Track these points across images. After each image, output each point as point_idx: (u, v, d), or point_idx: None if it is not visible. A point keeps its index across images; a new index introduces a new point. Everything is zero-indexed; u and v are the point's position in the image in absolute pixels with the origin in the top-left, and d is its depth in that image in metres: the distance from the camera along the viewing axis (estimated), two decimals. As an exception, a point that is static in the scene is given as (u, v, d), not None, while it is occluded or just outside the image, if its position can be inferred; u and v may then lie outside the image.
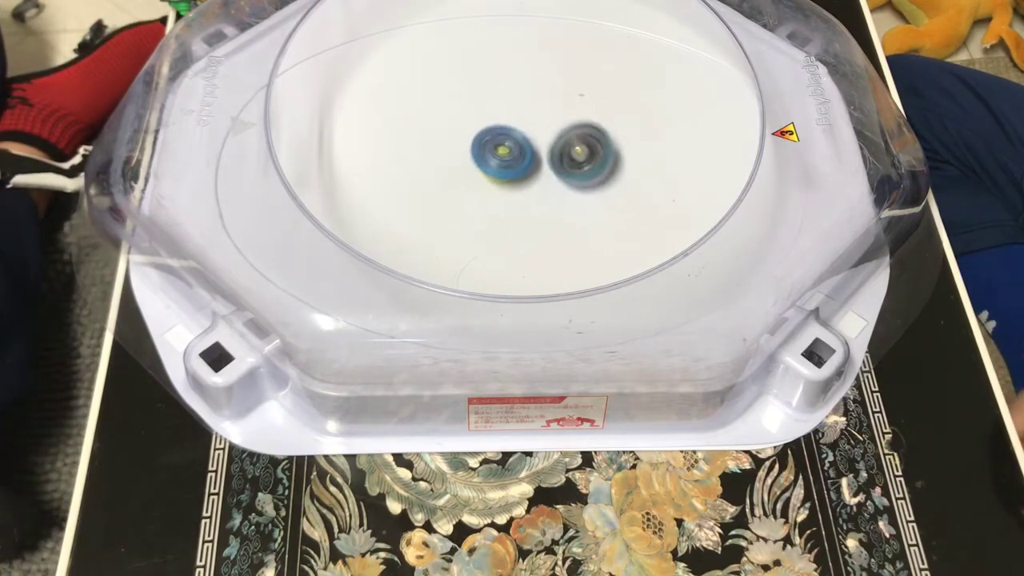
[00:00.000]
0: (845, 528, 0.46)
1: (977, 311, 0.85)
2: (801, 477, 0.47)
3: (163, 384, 0.47)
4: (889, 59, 0.63)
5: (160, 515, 0.45)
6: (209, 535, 0.45)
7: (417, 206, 0.50)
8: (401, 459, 0.47)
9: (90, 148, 0.94)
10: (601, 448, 0.48)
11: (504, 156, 0.50)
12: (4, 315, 0.80)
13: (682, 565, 0.45)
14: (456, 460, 0.47)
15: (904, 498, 0.46)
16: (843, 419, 0.49)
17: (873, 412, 0.49)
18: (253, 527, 0.45)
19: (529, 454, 0.47)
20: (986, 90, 0.86)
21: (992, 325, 0.86)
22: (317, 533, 0.45)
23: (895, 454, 0.48)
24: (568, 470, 0.47)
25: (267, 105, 0.50)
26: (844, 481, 0.47)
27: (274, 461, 0.47)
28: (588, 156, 0.50)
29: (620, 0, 0.59)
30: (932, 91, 0.87)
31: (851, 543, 0.45)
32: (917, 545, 0.45)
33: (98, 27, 1.16)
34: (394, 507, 0.46)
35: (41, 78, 1.04)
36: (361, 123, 0.53)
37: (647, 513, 0.46)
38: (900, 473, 0.47)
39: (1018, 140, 0.83)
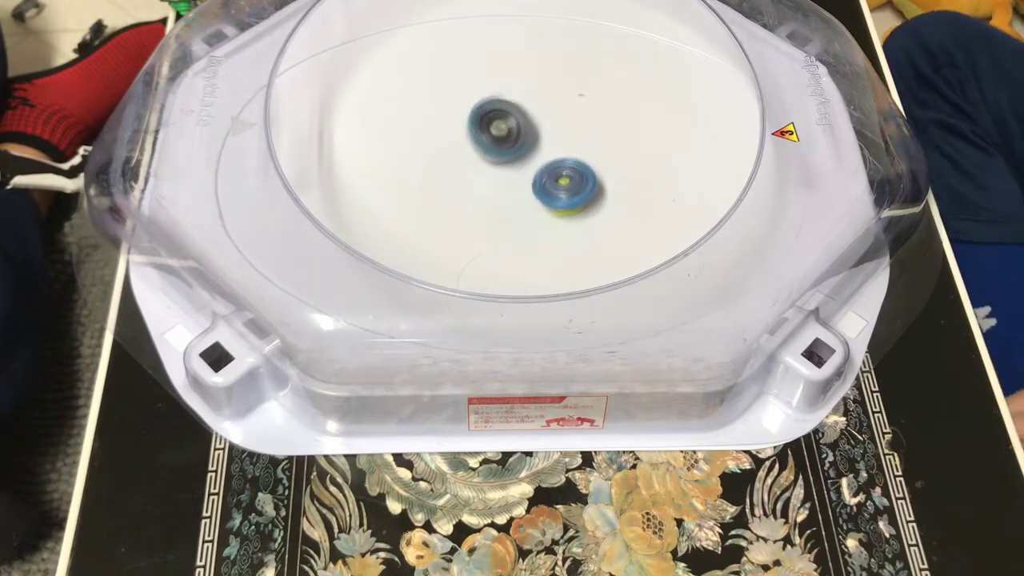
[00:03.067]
0: (845, 528, 0.46)
1: (977, 306, 0.84)
2: (801, 477, 0.47)
3: (163, 384, 0.47)
4: (928, 15, 0.61)
5: (160, 515, 0.45)
6: (209, 535, 0.45)
7: (417, 206, 0.50)
8: (401, 459, 0.47)
9: (90, 148, 0.94)
10: (601, 448, 0.48)
11: (567, 185, 0.49)
12: (13, 319, 0.79)
13: (682, 565, 0.45)
14: (456, 460, 0.47)
15: (904, 498, 0.46)
16: (843, 419, 0.49)
17: (873, 412, 0.49)
18: (253, 527, 0.45)
19: (529, 454, 0.47)
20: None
21: (990, 323, 0.85)
22: (317, 533, 0.45)
23: (895, 454, 0.48)
24: (568, 470, 0.47)
25: (267, 105, 0.50)
26: (844, 481, 0.47)
27: (274, 461, 0.47)
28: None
29: (620, 0, 0.59)
30: (974, 55, 0.85)
31: (851, 543, 0.45)
32: (917, 545, 0.45)
33: (98, 27, 1.16)
34: (394, 507, 0.46)
35: (42, 78, 1.04)
36: (361, 123, 0.53)
37: (647, 513, 0.46)
38: (900, 473, 0.47)
39: None
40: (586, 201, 0.49)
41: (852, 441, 0.48)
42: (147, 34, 1.10)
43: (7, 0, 1.23)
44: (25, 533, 0.82)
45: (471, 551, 0.45)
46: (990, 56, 0.85)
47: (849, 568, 0.45)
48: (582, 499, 0.46)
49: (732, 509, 0.46)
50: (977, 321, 0.52)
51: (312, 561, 0.44)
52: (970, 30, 0.88)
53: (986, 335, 0.52)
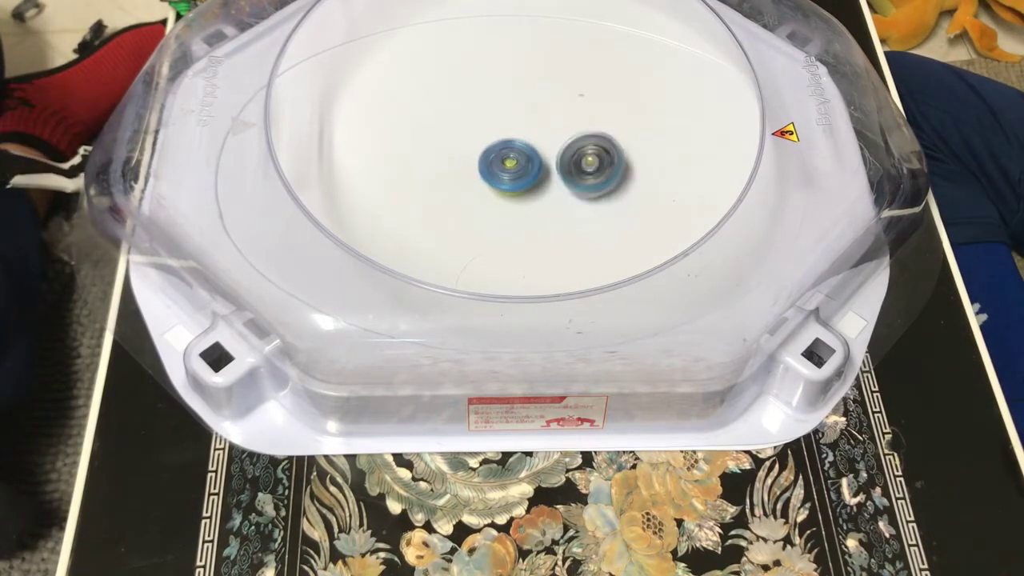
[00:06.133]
0: (845, 528, 0.46)
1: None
2: (801, 477, 0.47)
3: (163, 384, 0.47)
4: (886, 56, 0.63)
5: (160, 515, 0.45)
6: (209, 535, 0.45)
7: (417, 206, 0.50)
8: (401, 459, 0.47)
9: (90, 148, 0.94)
10: (601, 448, 0.48)
11: (512, 168, 0.49)
12: (5, 318, 0.80)
13: (682, 565, 0.45)
14: (456, 460, 0.47)
15: (904, 498, 0.46)
16: (843, 419, 0.49)
17: (873, 412, 0.49)
18: (253, 527, 0.45)
19: (529, 454, 0.47)
20: (983, 88, 0.86)
21: (982, 318, 0.85)
22: (317, 533, 0.45)
23: (895, 454, 0.48)
24: (568, 470, 0.47)
25: (267, 105, 0.50)
26: (844, 481, 0.47)
27: (274, 461, 0.47)
28: (598, 166, 0.49)
29: (620, 0, 0.59)
30: (931, 85, 0.87)
31: (851, 543, 0.45)
32: (917, 545, 0.45)
33: (98, 27, 1.16)
34: (394, 507, 0.46)
35: (41, 79, 1.04)
36: (361, 123, 0.53)
37: (647, 513, 0.46)
38: (900, 473, 0.47)
39: (1015, 138, 0.83)
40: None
41: (852, 441, 0.48)
42: (148, 35, 1.10)
43: (7, 0, 1.23)
44: (24, 526, 0.82)
45: (471, 551, 0.45)
46: (923, 77, 0.87)
47: (849, 568, 0.45)
48: (582, 499, 0.46)
49: (732, 509, 0.46)
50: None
51: (312, 561, 0.44)
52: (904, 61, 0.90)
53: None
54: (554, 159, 0.50)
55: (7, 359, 0.80)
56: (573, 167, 0.50)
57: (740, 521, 0.46)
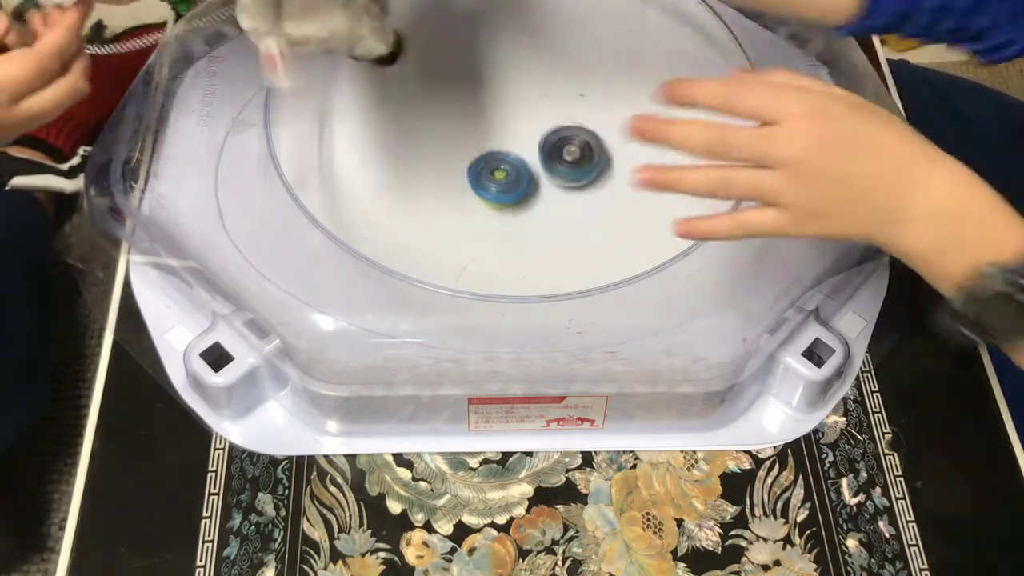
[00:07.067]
0: (845, 528, 0.46)
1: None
2: (801, 477, 0.47)
3: (163, 384, 0.47)
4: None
5: (160, 515, 0.45)
6: (209, 535, 0.45)
7: (417, 206, 0.50)
8: (401, 459, 0.47)
9: (90, 149, 0.94)
10: (601, 448, 0.47)
11: (502, 180, 0.49)
12: (31, 327, 0.78)
13: (682, 565, 0.45)
14: (456, 460, 0.47)
15: (904, 498, 0.46)
16: (843, 419, 0.49)
17: (873, 412, 0.49)
18: (253, 527, 0.45)
19: (529, 454, 0.47)
20: (960, 102, 0.86)
21: None
22: (317, 533, 0.45)
23: (895, 454, 0.48)
24: (568, 470, 0.47)
25: (267, 105, 0.50)
26: (844, 481, 0.47)
27: (274, 461, 0.47)
28: (579, 157, 0.50)
29: (620, 0, 0.59)
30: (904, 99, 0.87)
31: (851, 543, 0.45)
32: (917, 545, 0.45)
33: (98, 27, 1.15)
34: (394, 507, 0.46)
35: (45, 78, 1.03)
36: (361, 123, 0.53)
37: (647, 513, 0.46)
38: (900, 473, 0.47)
39: (996, 148, 0.83)
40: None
41: (852, 441, 0.48)
42: (148, 35, 1.10)
43: (7, 0, 1.23)
44: (2, 558, 0.81)
45: (471, 551, 0.45)
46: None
47: (849, 568, 0.45)
48: (582, 499, 0.46)
49: (732, 509, 0.46)
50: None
51: (312, 561, 0.44)
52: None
53: None
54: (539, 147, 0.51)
55: (40, 374, 0.80)
56: (554, 155, 0.50)
57: (740, 521, 0.46)
